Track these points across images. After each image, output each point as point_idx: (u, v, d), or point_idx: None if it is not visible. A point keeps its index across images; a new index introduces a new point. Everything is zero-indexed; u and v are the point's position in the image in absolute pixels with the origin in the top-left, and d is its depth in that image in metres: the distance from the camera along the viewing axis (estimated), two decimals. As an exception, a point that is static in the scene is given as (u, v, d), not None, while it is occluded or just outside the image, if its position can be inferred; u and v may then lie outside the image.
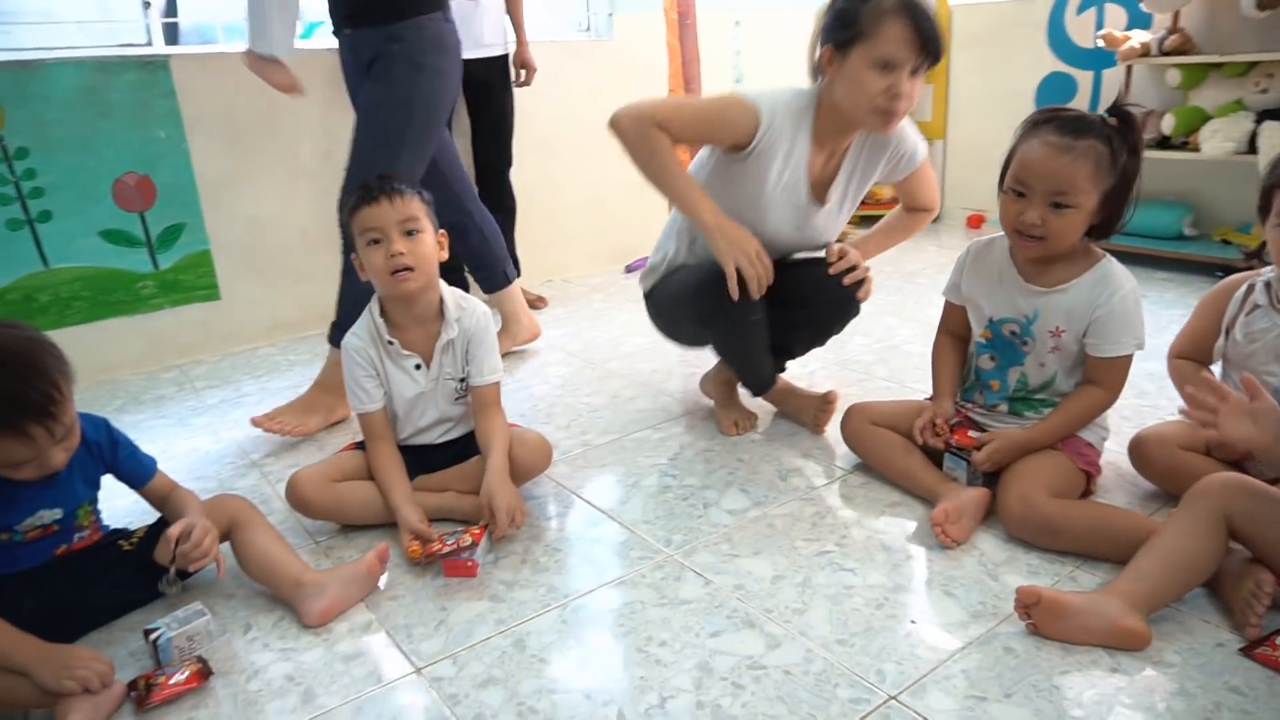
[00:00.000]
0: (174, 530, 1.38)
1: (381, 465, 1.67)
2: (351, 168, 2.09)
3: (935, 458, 1.68)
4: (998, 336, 1.64)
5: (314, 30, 3.30)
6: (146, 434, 2.24)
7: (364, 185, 1.63)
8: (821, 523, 1.62)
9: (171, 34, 2.95)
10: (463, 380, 1.73)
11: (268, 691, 1.26)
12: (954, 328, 1.77)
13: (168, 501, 1.50)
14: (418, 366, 1.70)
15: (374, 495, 1.66)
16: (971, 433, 1.63)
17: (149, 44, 2.64)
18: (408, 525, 1.57)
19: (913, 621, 1.32)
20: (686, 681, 1.22)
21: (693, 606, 1.39)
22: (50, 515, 1.37)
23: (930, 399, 1.74)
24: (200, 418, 2.34)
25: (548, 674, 1.26)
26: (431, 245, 1.64)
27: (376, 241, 1.60)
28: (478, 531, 1.55)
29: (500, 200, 3.16)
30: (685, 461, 1.90)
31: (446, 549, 1.50)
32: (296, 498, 1.63)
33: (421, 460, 1.74)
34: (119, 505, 1.56)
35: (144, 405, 2.45)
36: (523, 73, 3.06)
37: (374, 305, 1.70)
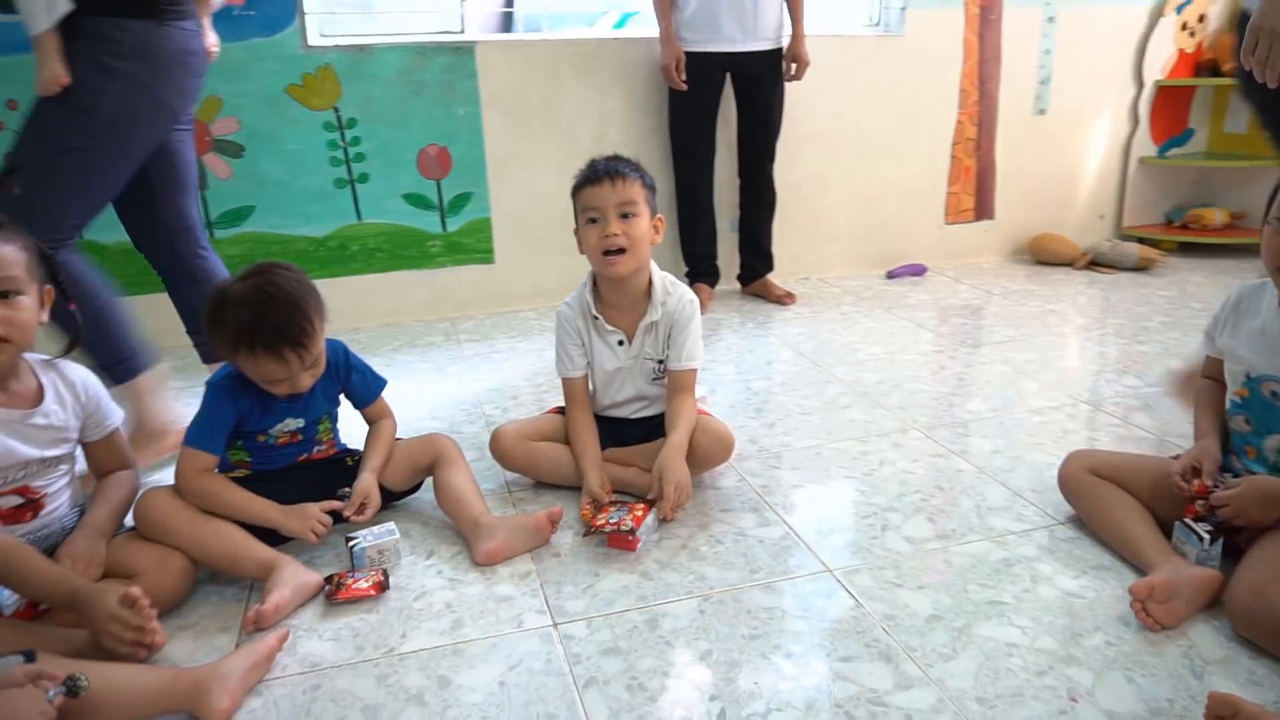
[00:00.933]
0: (353, 503, 1.59)
1: (576, 430, 1.77)
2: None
3: (1167, 530, 1.45)
4: (1255, 396, 1.37)
5: (628, 20, 3.51)
6: (408, 372, 2.55)
7: (591, 164, 1.72)
8: (1006, 570, 1.47)
9: (506, 22, 3.29)
10: (661, 362, 1.78)
11: (427, 612, 1.41)
12: (1216, 376, 1.51)
13: (376, 427, 1.72)
14: (620, 343, 1.77)
15: (565, 458, 1.76)
16: (1210, 482, 1.38)
17: (461, 31, 2.96)
18: (589, 489, 1.66)
19: (1073, 700, 1.16)
20: (799, 699, 1.18)
21: (833, 627, 1.33)
22: (295, 424, 1.63)
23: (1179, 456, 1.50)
24: (455, 366, 2.62)
25: (668, 657, 1.28)
26: (646, 229, 1.70)
27: (594, 220, 1.68)
28: (644, 507, 1.60)
29: (759, 195, 3.17)
30: (879, 479, 1.81)
31: (610, 526, 1.56)
32: (496, 449, 1.78)
33: (615, 433, 1.82)
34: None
35: (415, 349, 2.79)
36: (793, 67, 3.02)
37: (588, 280, 1.79)
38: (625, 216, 1.67)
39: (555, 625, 1.36)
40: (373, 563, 1.52)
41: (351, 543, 1.52)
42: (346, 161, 2.88)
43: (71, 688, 1.04)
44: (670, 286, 1.78)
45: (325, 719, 1.19)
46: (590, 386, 1.83)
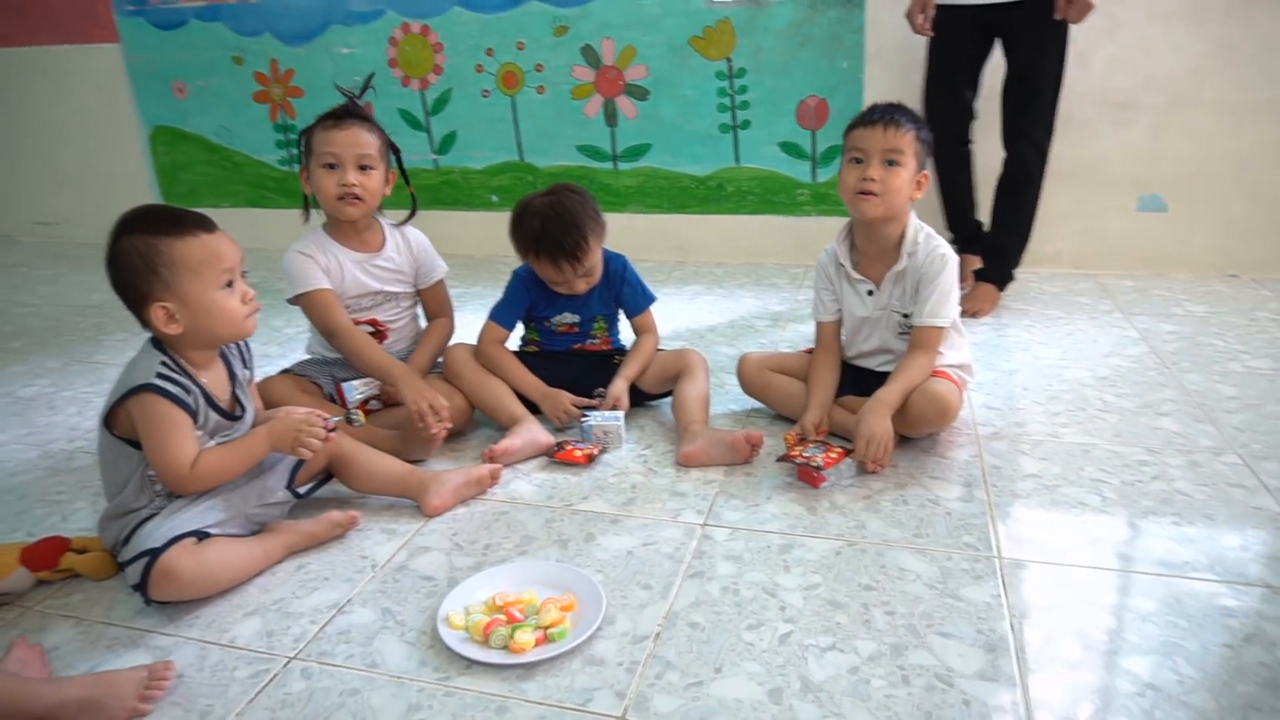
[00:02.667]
0: (605, 404, 1.85)
1: (814, 369, 1.82)
2: None
3: None
4: None
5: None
6: (720, 303, 2.77)
7: (871, 106, 1.72)
8: (1220, 621, 1.21)
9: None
10: (907, 315, 1.74)
11: (614, 487, 1.64)
12: None
13: (638, 339, 1.97)
14: (870, 292, 1.77)
15: (798, 392, 1.83)
16: None
17: (858, -16, 2.99)
18: (802, 422, 1.72)
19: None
20: (866, 649, 1.17)
21: (956, 605, 1.26)
22: (572, 318, 1.95)
23: None
24: (781, 306, 2.76)
25: (777, 578, 1.33)
26: (906, 180, 1.66)
27: (857, 161, 1.69)
28: (842, 453, 1.62)
29: (1019, 181, 2.57)
30: (1135, 493, 1.55)
31: (801, 459, 1.61)
32: (739, 373, 1.91)
33: (859, 382, 1.83)
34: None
35: (754, 289, 2.98)
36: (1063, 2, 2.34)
37: (845, 227, 1.81)
38: (890, 164, 1.66)
39: (703, 525, 1.49)
40: (597, 440, 1.78)
41: (585, 419, 1.80)
42: (732, 108, 3.13)
43: (348, 419, 1.50)
44: (924, 239, 1.71)
45: (495, 537, 1.49)
46: (843, 334, 1.86)
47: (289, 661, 1.20)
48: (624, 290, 1.96)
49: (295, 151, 3.68)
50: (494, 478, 1.64)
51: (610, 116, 3.26)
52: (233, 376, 1.45)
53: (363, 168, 1.81)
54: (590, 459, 1.72)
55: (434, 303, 2.01)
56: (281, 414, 1.43)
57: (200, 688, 1.16)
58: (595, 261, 1.86)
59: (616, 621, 1.25)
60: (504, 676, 1.15)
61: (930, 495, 1.57)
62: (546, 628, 1.21)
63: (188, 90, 3.74)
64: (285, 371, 1.88)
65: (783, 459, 1.63)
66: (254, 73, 3.63)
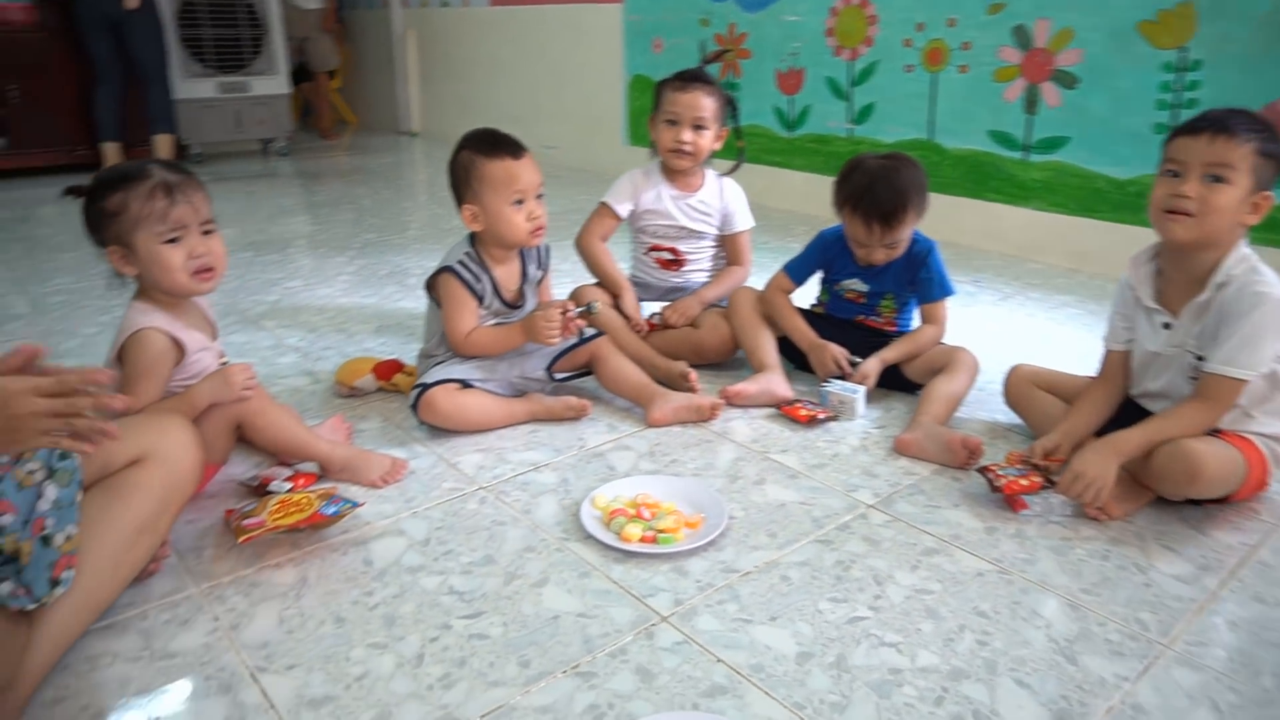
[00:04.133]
0: (854, 377, 1.86)
1: (1084, 396, 1.63)
2: None
3: None
4: None
5: None
6: (1092, 320, 2.46)
7: (1203, 113, 1.46)
8: None
9: None
10: (1202, 359, 1.47)
11: (816, 450, 1.69)
12: None
13: (920, 328, 1.94)
14: (1165, 325, 1.52)
15: (1055, 412, 1.66)
16: None
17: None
18: (1038, 442, 1.57)
19: None
20: (926, 660, 1.13)
21: (1067, 669, 1.12)
22: (861, 287, 1.98)
23: None
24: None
25: (895, 573, 1.31)
26: (1231, 200, 1.39)
27: (1173, 174, 1.46)
28: (1040, 480, 1.47)
29: None
30: None
31: (1001, 478, 1.49)
32: (1006, 381, 1.78)
33: (1134, 419, 1.59)
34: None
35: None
36: None
37: (1150, 249, 1.56)
38: (1213, 179, 1.41)
39: (869, 506, 1.50)
40: (831, 406, 1.83)
41: (825, 385, 1.86)
42: (1174, 106, 2.70)
43: (588, 309, 1.78)
44: (1243, 271, 1.42)
45: (685, 456, 1.67)
46: (1132, 366, 1.63)
47: (478, 489, 1.54)
48: (921, 274, 1.93)
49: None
50: (714, 411, 1.80)
51: (1030, 103, 3.03)
52: (525, 274, 1.82)
53: (697, 127, 2.04)
54: (811, 420, 1.79)
55: (733, 250, 2.19)
56: (539, 309, 1.75)
57: (417, 485, 1.55)
58: (903, 237, 1.87)
59: (724, 550, 1.36)
60: (603, 553, 1.35)
61: (1142, 560, 1.35)
62: (659, 531, 1.37)
63: (664, 46, 4.30)
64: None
65: (981, 470, 1.53)
66: (715, 34, 4.05)
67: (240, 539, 1.30)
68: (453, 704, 1.05)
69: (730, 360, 2.08)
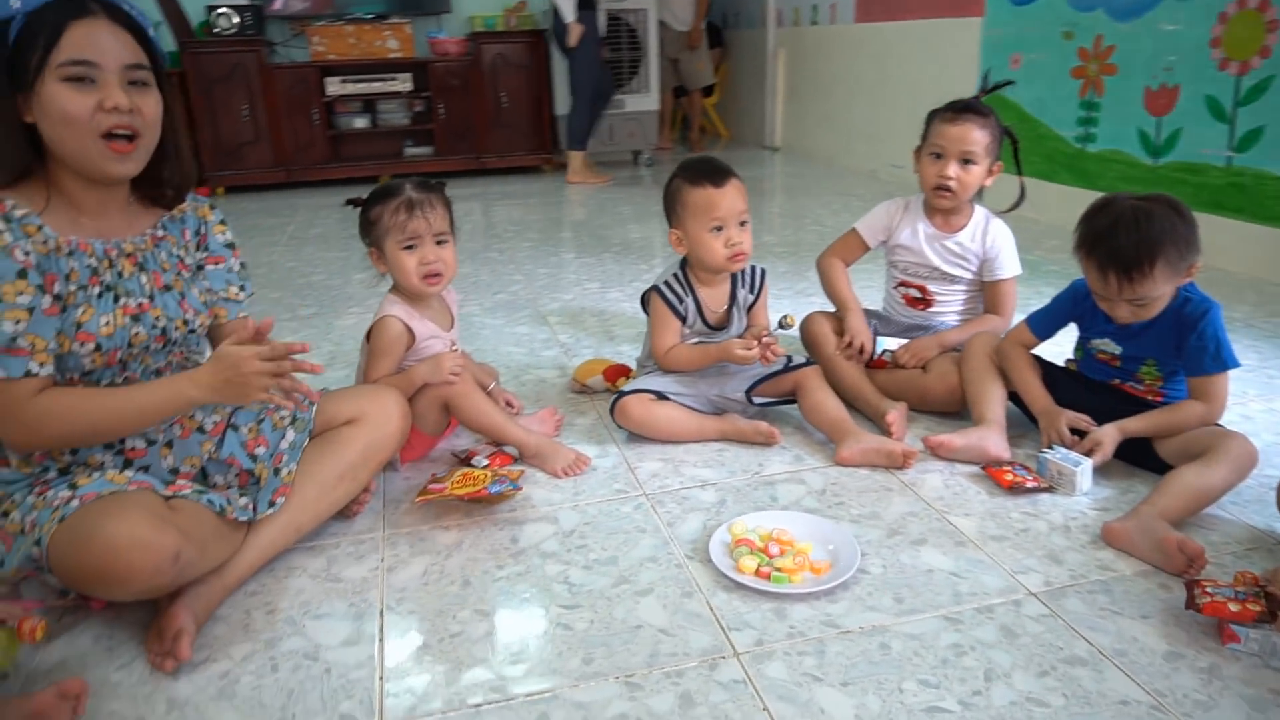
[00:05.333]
0: (1085, 443, 1.62)
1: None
2: None
3: None
4: None
5: None
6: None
7: None
8: None
9: None
10: None
11: (1002, 521, 1.52)
12: None
13: (1187, 400, 1.63)
14: None
15: None
16: None
17: None
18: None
19: None
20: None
21: None
22: (1112, 348, 1.71)
23: None
24: None
25: (1015, 676, 1.16)
26: None
27: None
28: (1255, 609, 1.18)
29: None
30: None
31: (1214, 598, 1.22)
32: (1284, 483, 1.43)
33: None
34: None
35: None
36: None
37: None
38: None
39: (1030, 594, 1.32)
40: (1048, 477, 1.62)
41: (1044, 453, 1.64)
42: None
43: (781, 322, 1.80)
44: None
45: (854, 499, 1.60)
46: None
47: (640, 495, 1.64)
48: (1191, 340, 1.61)
49: (1093, 130, 3.60)
50: (907, 459, 1.69)
51: None
52: (734, 297, 1.86)
53: (965, 162, 1.91)
54: (1015, 487, 1.60)
55: (992, 298, 2.00)
56: (733, 342, 1.78)
57: (591, 481, 1.69)
58: (1155, 294, 1.58)
59: (837, 603, 1.31)
60: (715, 579, 1.37)
61: None
62: (775, 569, 1.36)
63: (1021, 62, 3.95)
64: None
65: (1191, 583, 1.26)
66: (1078, 48, 3.62)
67: (418, 498, 1.55)
68: (510, 678, 1.17)
69: (958, 411, 1.92)
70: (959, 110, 1.93)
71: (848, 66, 5.44)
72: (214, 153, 5.16)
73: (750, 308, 1.90)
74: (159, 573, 1.15)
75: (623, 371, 2.08)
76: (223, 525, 1.31)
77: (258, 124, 5.17)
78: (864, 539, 1.47)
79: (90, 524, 1.14)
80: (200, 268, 1.46)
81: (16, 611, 1.15)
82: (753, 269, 1.89)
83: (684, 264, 1.87)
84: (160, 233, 1.40)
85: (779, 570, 1.36)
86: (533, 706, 1.12)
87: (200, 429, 1.43)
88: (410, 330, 1.69)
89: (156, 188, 1.37)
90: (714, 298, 1.86)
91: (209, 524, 1.28)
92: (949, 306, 2.05)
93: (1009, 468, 1.66)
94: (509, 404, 1.91)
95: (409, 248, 1.66)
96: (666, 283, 1.84)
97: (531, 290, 3.04)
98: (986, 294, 2.02)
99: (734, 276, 1.87)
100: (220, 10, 5.01)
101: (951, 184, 1.91)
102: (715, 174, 1.76)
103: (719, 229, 1.76)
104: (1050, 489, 1.60)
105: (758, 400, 1.87)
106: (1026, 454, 1.73)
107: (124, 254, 1.33)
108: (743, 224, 1.78)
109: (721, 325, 1.87)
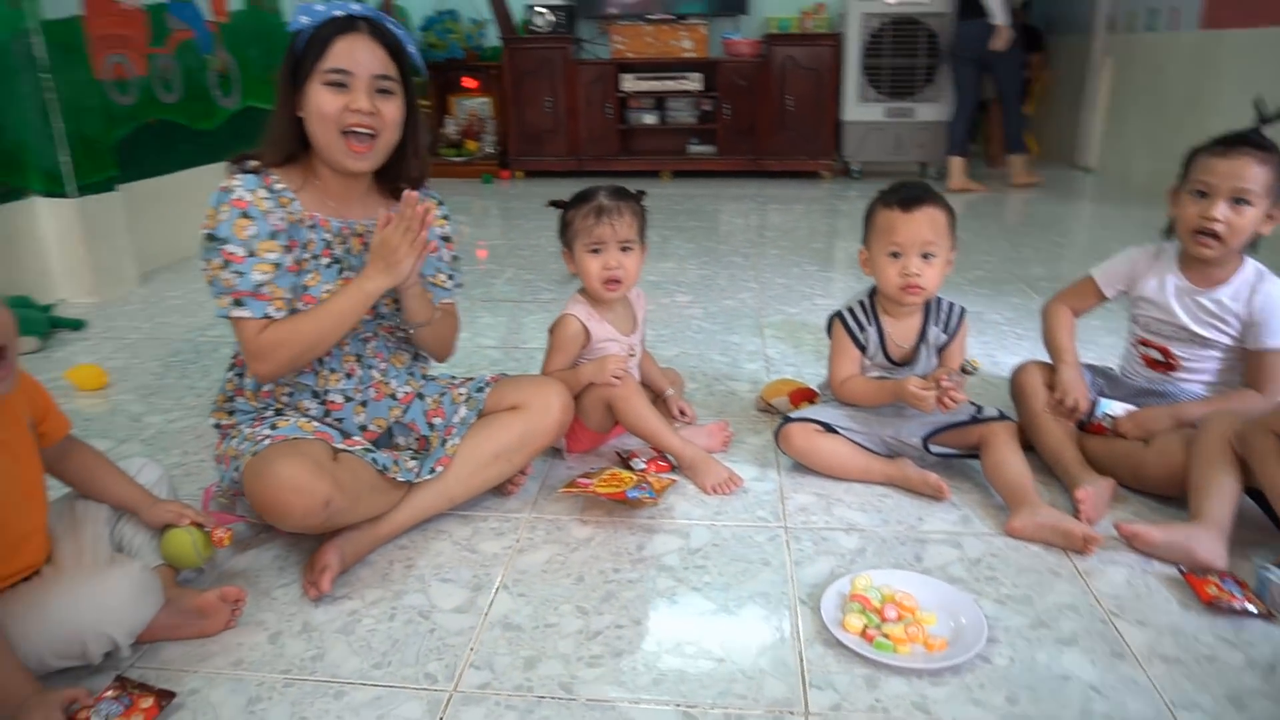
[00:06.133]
0: None
1: None
2: None
3: None
4: None
5: None
6: None
7: None
8: None
9: None
10: None
11: (1223, 652, 1.29)
12: None
13: None
14: None
15: None
16: None
17: None
18: None
19: None
20: None
21: None
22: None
23: None
24: None
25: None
26: None
27: None
28: None
29: None
30: None
31: None
32: None
33: None
34: None
35: None
36: None
37: None
38: None
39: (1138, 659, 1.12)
40: (1271, 601, 1.34)
41: (1269, 570, 1.36)
42: None
43: (964, 368, 1.65)
44: None
45: (1007, 575, 1.45)
46: None
47: (779, 527, 1.60)
48: None
49: None
50: (1087, 545, 1.48)
51: None
52: (924, 334, 1.73)
53: (1236, 201, 1.62)
54: (1216, 603, 1.34)
55: (1255, 371, 1.68)
56: (910, 380, 1.65)
57: (738, 503, 1.68)
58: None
59: (941, 686, 1.20)
60: (818, 630, 1.31)
61: None
62: (882, 635, 1.27)
63: None
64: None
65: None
66: None
67: (563, 488, 1.64)
68: (580, 679, 1.21)
69: (1177, 498, 1.64)
70: (1232, 143, 1.65)
71: (1185, 80, 4.74)
72: (518, 139, 5.70)
73: (943, 348, 1.77)
74: (310, 514, 1.33)
75: (808, 396, 2.03)
76: (382, 482, 1.49)
77: (558, 115, 5.61)
78: (1001, 623, 1.32)
79: (267, 462, 1.35)
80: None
81: (213, 521, 1.39)
82: (950, 306, 1.75)
83: (873, 291, 1.78)
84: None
85: (885, 636, 1.26)
86: (590, 713, 1.16)
87: (392, 395, 1.62)
88: (587, 330, 1.78)
89: (395, 180, 1.58)
90: (901, 331, 1.75)
91: (367, 480, 1.45)
92: (1196, 374, 1.75)
93: (1216, 579, 1.40)
94: (681, 412, 1.95)
95: (594, 251, 1.75)
96: (850, 309, 1.77)
97: (761, 299, 3.03)
98: (1248, 365, 1.70)
99: (926, 310, 1.75)
100: (538, 9, 5.49)
101: (1218, 227, 1.63)
102: (908, 198, 1.66)
103: (896, 255, 1.66)
104: (1268, 615, 1.33)
105: (935, 449, 1.73)
106: (1246, 567, 1.45)
107: (355, 233, 1.54)
108: (926, 256, 1.65)
109: (906, 361, 1.76)
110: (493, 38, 5.79)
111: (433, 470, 1.56)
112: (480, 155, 5.91)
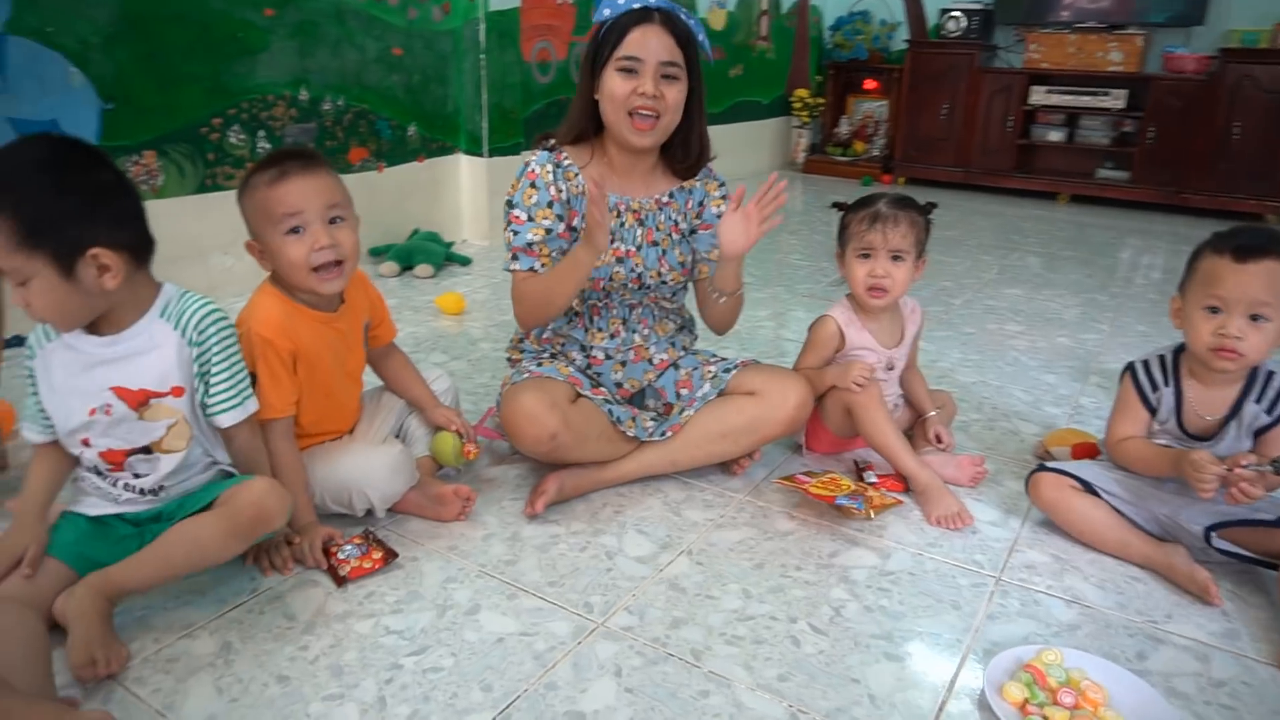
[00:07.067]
0: None
1: None
2: None
3: None
4: None
5: None
6: None
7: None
8: None
9: None
10: None
11: None
12: None
13: None
14: None
15: None
16: None
17: None
18: None
19: None
20: None
21: None
22: None
23: None
24: None
25: None
26: None
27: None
28: None
29: None
30: None
31: None
32: None
33: None
34: None
35: None
36: None
37: None
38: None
39: None
40: None
41: None
42: None
43: (1274, 466, 1.34)
44: None
45: (1235, 705, 1.19)
46: None
47: (991, 577, 1.47)
48: None
49: None
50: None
51: None
52: (1237, 409, 1.45)
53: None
54: None
55: None
56: (1200, 456, 1.39)
57: (957, 539, 1.58)
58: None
59: (1087, 792, 1.05)
60: (973, 692, 1.21)
61: None
62: (1042, 716, 1.14)
63: None
64: None
65: None
66: None
67: (780, 480, 1.67)
68: (710, 651, 1.27)
69: None
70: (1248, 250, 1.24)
71: None
72: (906, 144, 5.55)
73: (1263, 431, 1.46)
74: (539, 442, 1.54)
75: (1093, 452, 1.80)
76: (612, 431, 1.65)
77: (953, 123, 5.36)
78: (1208, 754, 1.11)
79: (517, 392, 1.58)
80: (693, 231, 1.78)
81: (473, 434, 1.67)
82: (1281, 382, 1.45)
83: (1181, 347, 1.53)
84: (667, 199, 1.75)
85: (1045, 718, 1.13)
86: (708, 682, 1.21)
87: (649, 360, 1.78)
88: (843, 335, 1.77)
89: (676, 160, 1.73)
90: (1206, 400, 1.49)
91: (598, 426, 1.63)
92: None
93: None
94: (938, 438, 1.85)
95: (864, 256, 1.72)
96: (1147, 361, 1.54)
97: (1105, 344, 2.69)
98: None
99: (1249, 381, 1.46)
100: (952, 13, 5.27)
101: None
102: (1245, 245, 1.38)
103: (1215, 310, 1.40)
104: None
105: (1220, 544, 1.45)
106: None
107: (630, 209, 1.71)
108: (1255, 318, 1.38)
109: (1205, 436, 1.49)
110: (900, 40, 5.68)
111: (664, 434, 1.69)
112: (865, 156, 5.87)
